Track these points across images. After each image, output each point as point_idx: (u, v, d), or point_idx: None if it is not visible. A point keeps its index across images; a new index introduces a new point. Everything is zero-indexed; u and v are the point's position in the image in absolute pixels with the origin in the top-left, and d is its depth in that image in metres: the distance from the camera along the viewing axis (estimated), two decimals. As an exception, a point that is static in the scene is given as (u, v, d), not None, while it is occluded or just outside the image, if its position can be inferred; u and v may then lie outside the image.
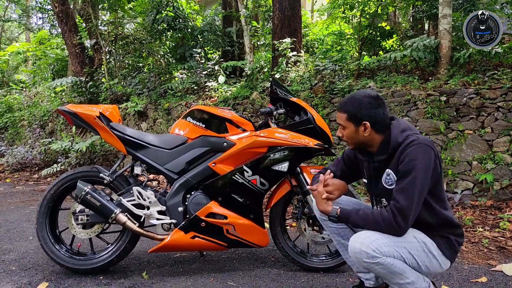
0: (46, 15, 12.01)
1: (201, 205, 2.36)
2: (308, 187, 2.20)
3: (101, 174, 2.40)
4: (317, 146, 2.39)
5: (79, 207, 2.39)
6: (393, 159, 1.73)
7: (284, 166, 2.35)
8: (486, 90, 4.21)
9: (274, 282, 2.36)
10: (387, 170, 1.76)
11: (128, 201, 2.37)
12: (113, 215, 2.30)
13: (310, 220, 2.47)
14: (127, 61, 8.73)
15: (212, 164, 2.39)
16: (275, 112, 2.45)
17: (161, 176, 2.86)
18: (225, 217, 2.36)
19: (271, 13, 7.45)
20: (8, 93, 12.13)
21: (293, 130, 2.42)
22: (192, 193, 2.41)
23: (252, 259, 2.75)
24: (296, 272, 2.51)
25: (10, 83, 13.24)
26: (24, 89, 11.98)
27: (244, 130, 2.47)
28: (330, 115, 5.25)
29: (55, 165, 7.17)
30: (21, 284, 2.32)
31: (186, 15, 7.88)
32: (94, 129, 2.43)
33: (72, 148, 6.99)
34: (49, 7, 10.88)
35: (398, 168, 1.69)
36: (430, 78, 5.10)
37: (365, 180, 1.95)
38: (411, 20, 6.38)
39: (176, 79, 7.61)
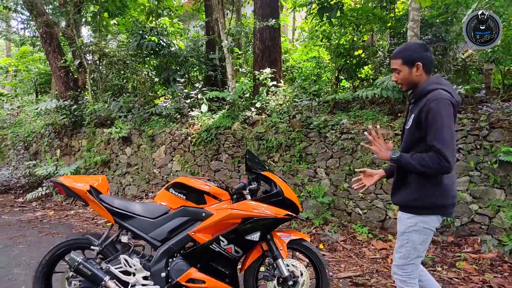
0: (27, 24, 11.94)
1: (181, 272, 2.63)
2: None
3: (91, 247, 2.66)
4: (285, 216, 2.69)
5: (72, 272, 2.65)
6: (418, 104, 2.09)
7: (256, 236, 2.64)
8: (448, 133, 4.58)
9: (248, 338, 2.64)
10: (412, 114, 2.13)
11: (116, 268, 2.62)
12: (103, 282, 2.56)
13: (281, 279, 2.77)
14: (111, 79, 8.85)
15: (192, 233, 2.66)
16: (247, 189, 2.74)
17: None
18: (203, 282, 2.63)
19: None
20: (-10, 107, 12.06)
21: (265, 202, 2.71)
22: (174, 258, 2.69)
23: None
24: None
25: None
26: (6, 102, 11.93)
27: (221, 200, 2.75)
28: (306, 148, 5.57)
29: (40, 189, 7.31)
30: None
31: (169, 40, 8.08)
32: (85, 201, 2.69)
33: (57, 173, 7.15)
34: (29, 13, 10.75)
35: (419, 116, 2.04)
36: (399, 114, 5.45)
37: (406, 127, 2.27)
38: (387, 53, 6.73)
39: (159, 101, 7.81)
